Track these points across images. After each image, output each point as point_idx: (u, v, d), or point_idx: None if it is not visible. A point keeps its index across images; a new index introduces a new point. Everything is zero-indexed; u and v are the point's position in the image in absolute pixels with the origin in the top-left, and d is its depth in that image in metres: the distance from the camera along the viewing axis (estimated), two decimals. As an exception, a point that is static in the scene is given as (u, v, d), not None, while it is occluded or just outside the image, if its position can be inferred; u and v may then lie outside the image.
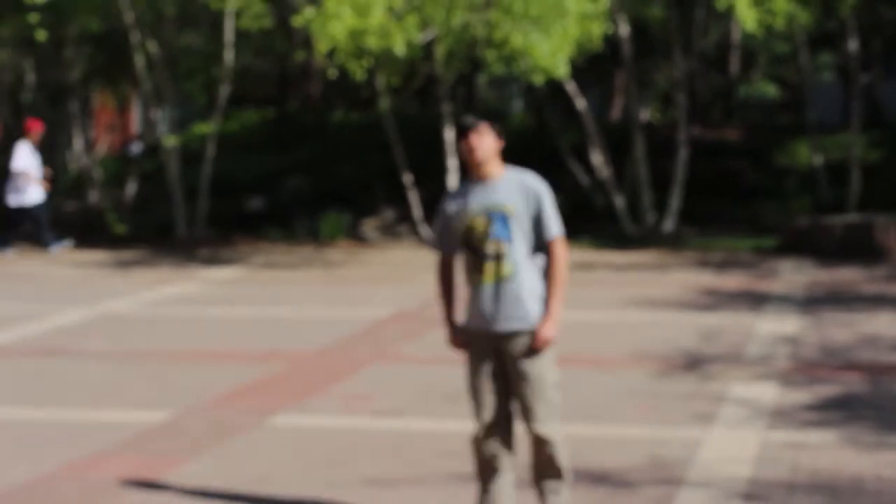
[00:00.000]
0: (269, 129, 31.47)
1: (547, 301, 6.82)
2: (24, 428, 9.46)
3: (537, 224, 6.82)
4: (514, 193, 6.80)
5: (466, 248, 6.87)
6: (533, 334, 6.77)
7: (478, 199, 6.83)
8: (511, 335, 6.79)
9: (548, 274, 6.86)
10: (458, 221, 6.85)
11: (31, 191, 21.36)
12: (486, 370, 6.87)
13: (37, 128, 21.89)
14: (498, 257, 6.79)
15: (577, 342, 12.46)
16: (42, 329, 14.01)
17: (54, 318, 14.69)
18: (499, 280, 6.78)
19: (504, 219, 6.77)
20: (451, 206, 6.92)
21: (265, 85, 34.72)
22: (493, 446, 6.86)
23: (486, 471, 6.91)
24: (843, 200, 23.68)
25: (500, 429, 6.87)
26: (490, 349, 6.85)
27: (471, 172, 6.89)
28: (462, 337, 6.95)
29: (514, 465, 6.96)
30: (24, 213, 21.46)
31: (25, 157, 21.31)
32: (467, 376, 6.92)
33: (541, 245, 6.85)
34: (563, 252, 6.86)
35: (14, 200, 21.45)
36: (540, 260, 6.86)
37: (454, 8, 18.92)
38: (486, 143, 6.78)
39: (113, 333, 13.73)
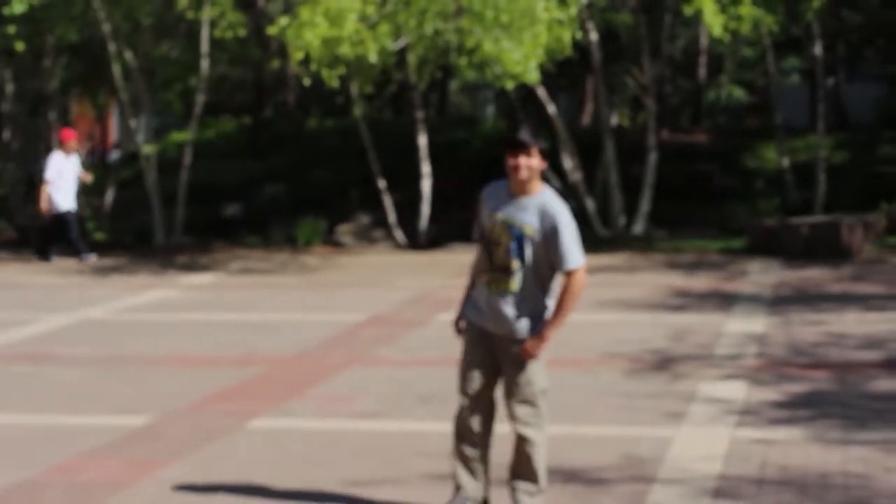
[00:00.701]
0: (245, 137, 31.59)
1: (546, 321, 7.02)
2: (7, 432, 9.50)
3: (551, 247, 6.93)
4: (535, 215, 6.95)
5: (484, 248, 7.09)
6: (521, 342, 7.00)
7: (507, 210, 7.00)
8: (502, 337, 7.04)
9: (560, 297, 7.00)
10: (487, 219, 7.08)
11: (58, 199, 21.14)
12: (477, 356, 7.11)
13: (70, 137, 21.71)
14: (507, 271, 6.99)
15: (551, 343, 12.67)
16: (25, 335, 14.06)
17: (36, 325, 14.74)
18: (502, 291, 7.00)
19: (521, 238, 6.94)
20: (486, 201, 7.14)
21: (241, 93, 34.78)
22: (474, 426, 7.10)
23: (461, 449, 7.15)
24: (811, 201, 23.95)
25: (481, 414, 7.11)
26: (484, 340, 7.09)
27: (510, 183, 7.05)
28: (461, 323, 7.22)
29: (488, 460, 7.19)
30: (60, 219, 21.32)
31: (53, 166, 21.12)
32: (460, 356, 7.16)
33: (554, 268, 6.98)
34: (577, 283, 6.93)
35: (55, 209, 21.30)
36: (554, 283, 7.04)
37: (426, 16, 19.02)
38: (533, 164, 6.94)
39: (94, 339, 13.77)
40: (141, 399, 10.60)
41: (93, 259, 21.22)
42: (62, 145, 21.56)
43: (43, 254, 21.60)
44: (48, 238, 21.74)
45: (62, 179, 21.16)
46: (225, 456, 8.68)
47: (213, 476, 8.15)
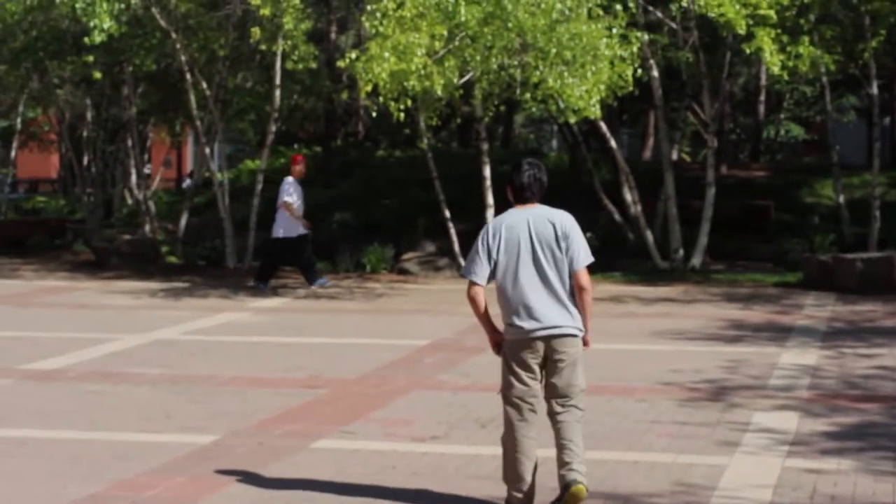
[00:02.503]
0: (315, 165, 31.97)
1: None
2: (77, 447, 9.70)
3: None
4: None
5: None
6: None
7: None
8: None
9: None
10: None
11: (293, 226, 20.96)
12: None
13: (299, 163, 21.45)
14: None
15: (608, 371, 12.79)
16: (98, 354, 14.38)
17: (109, 345, 15.08)
18: None
19: None
20: None
21: (312, 123, 35.27)
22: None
23: None
24: (866, 238, 24.05)
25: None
26: None
27: None
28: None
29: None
30: (286, 247, 21.13)
31: (287, 193, 20.89)
32: None
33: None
34: (468, 294, 8.02)
35: (277, 234, 21.14)
36: (501, 291, 8.02)
37: (491, 51, 19.22)
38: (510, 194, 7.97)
39: (164, 359, 14.05)
40: (208, 418, 10.81)
41: (328, 283, 21.22)
42: (293, 170, 21.30)
43: (262, 280, 21.34)
44: (272, 264, 21.57)
45: (292, 204, 20.89)
46: (288, 475, 8.80)
47: (277, 495, 8.29)
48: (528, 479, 7.76)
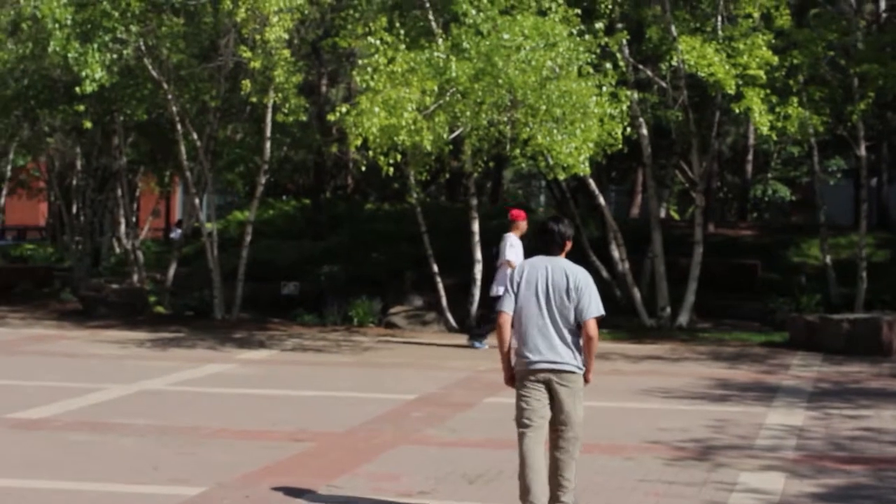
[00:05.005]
0: (304, 218, 32.08)
1: None
2: (65, 497, 9.69)
3: None
4: None
5: None
6: None
7: None
8: None
9: None
10: None
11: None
12: None
13: (517, 218, 20.53)
14: None
15: (594, 429, 12.68)
16: (84, 404, 14.34)
17: (96, 394, 15.04)
18: None
19: None
20: None
21: (302, 175, 35.40)
22: None
23: None
24: (852, 298, 24.14)
25: None
26: None
27: None
28: None
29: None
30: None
31: (509, 249, 20.10)
32: None
33: None
34: None
35: (498, 291, 19.95)
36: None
37: (482, 107, 19.33)
38: None
39: (151, 410, 14.02)
40: (195, 470, 10.80)
41: (485, 348, 20.63)
42: (514, 225, 20.47)
43: (476, 336, 20.92)
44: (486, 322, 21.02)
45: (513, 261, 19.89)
46: (276, 528, 8.77)
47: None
48: (536, 490, 8.46)
